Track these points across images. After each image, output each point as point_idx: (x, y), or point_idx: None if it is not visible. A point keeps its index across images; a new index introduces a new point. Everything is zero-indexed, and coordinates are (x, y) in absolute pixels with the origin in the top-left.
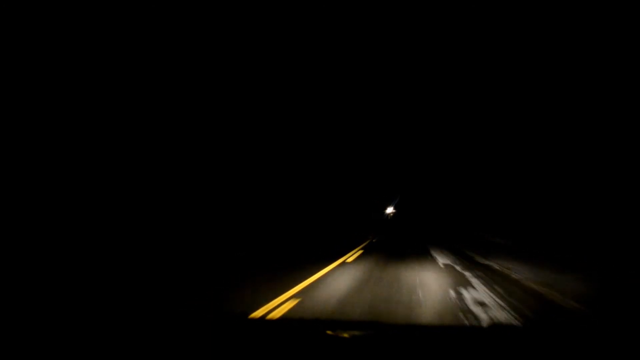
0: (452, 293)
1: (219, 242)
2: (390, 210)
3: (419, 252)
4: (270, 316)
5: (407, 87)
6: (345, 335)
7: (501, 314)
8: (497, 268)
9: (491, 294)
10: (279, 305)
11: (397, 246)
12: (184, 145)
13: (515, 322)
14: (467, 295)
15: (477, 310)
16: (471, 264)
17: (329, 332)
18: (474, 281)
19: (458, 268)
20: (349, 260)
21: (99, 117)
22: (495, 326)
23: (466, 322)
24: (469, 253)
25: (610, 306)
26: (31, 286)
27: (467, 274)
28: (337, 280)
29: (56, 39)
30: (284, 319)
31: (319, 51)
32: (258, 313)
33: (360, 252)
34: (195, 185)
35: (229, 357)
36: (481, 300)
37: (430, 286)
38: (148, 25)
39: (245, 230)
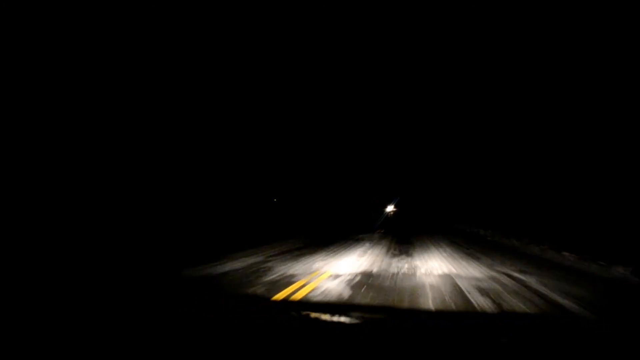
0: None
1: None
2: (390, 209)
3: None
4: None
5: (406, 90)
6: (314, 315)
7: None
8: None
9: None
10: None
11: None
12: (183, 153)
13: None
14: None
15: None
16: None
17: (310, 314)
18: None
19: None
20: None
21: (100, 117)
22: (500, 314)
23: None
24: None
25: None
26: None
27: None
28: None
29: (56, 39)
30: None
31: (319, 56)
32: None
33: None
34: (197, 191)
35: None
36: None
37: None
38: (146, 25)
39: (242, 230)
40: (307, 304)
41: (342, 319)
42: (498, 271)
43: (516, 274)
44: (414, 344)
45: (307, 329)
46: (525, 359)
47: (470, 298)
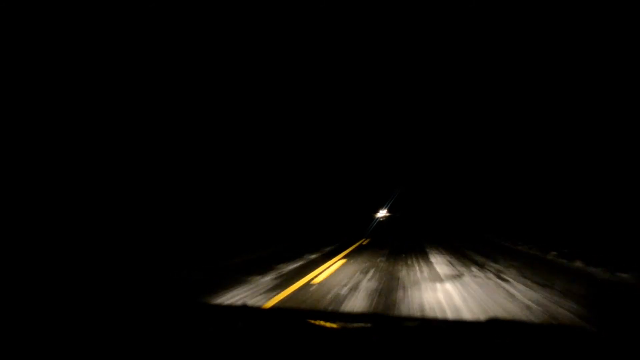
0: None
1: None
2: (383, 212)
3: None
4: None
5: (404, 91)
6: (334, 325)
7: None
8: None
9: None
10: None
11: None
12: (180, 154)
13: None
14: None
15: None
16: None
17: (310, 321)
18: None
19: None
20: None
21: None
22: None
23: None
24: None
25: None
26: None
27: None
28: None
29: (56, 39)
30: (273, 308)
31: (316, 51)
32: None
33: None
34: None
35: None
36: None
37: None
38: (146, 25)
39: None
40: (300, 311)
41: (336, 325)
42: None
43: None
44: (408, 348)
45: (300, 335)
46: None
47: None
